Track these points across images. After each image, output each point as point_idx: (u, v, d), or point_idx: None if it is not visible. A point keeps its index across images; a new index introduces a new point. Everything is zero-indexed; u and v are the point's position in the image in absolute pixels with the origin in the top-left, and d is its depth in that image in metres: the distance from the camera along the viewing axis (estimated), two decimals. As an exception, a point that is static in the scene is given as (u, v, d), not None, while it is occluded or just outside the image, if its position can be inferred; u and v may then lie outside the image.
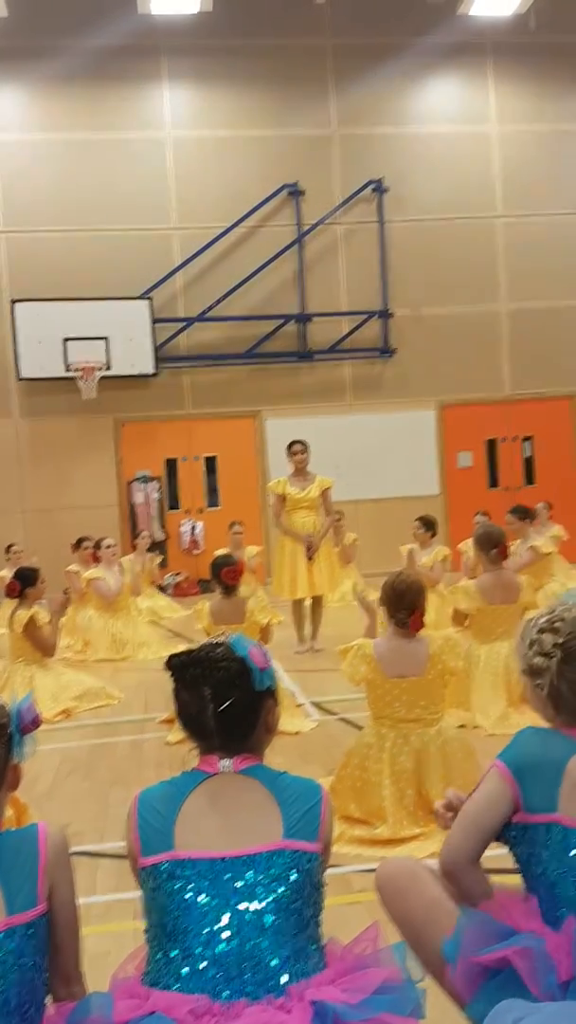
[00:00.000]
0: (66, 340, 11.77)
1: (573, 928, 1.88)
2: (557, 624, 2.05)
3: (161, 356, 12.34)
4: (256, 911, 1.84)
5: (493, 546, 5.61)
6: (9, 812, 3.29)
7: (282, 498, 7.89)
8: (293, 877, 1.87)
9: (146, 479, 12.71)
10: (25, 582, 6.25)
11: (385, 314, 12.95)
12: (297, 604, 7.90)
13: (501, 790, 2.00)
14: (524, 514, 7.55)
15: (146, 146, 12.69)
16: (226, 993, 1.79)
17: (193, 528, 12.72)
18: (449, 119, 13.22)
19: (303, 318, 12.85)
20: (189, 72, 12.71)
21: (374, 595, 4.39)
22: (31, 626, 6.15)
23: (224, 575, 5.65)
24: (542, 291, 13.23)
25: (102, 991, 1.86)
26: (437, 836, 3.75)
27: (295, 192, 12.85)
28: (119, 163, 12.55)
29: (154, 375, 12.28)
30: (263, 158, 12.81)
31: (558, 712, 2.06)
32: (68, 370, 11.80)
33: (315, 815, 1.94)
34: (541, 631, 2.08)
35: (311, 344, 12.90)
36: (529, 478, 13.50)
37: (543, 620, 2.10)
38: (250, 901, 1.85)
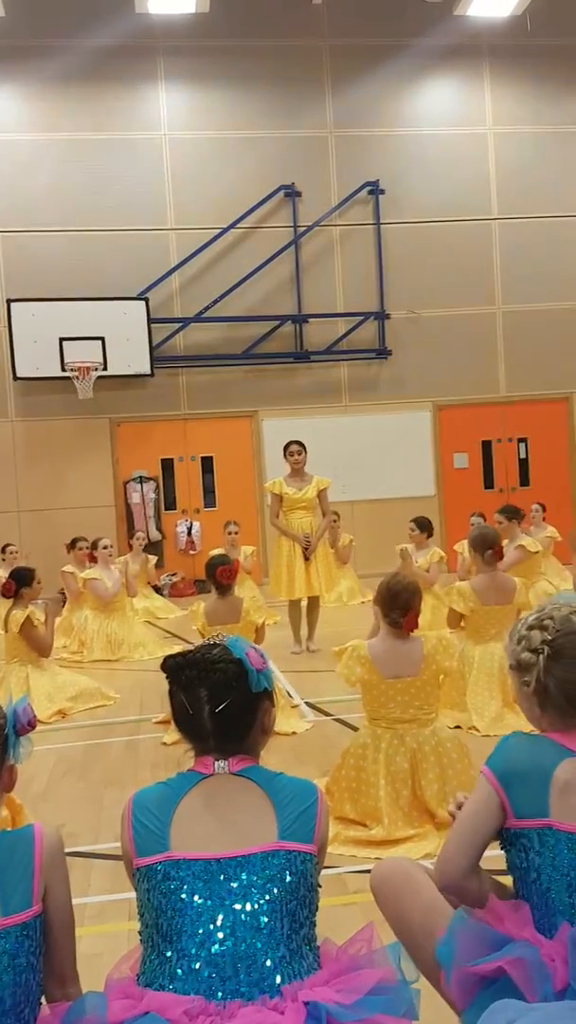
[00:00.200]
0: (62, 340, 11.76)
1: (567, 936, 1.87)
2: (546, 622, 2.06)
3: (157, 356, 12.34)
4: (251, 912, 1.84)
5: (488, 547, 5.63)
6: (4, 812, 3.30)
7: (279, 498, 7.90)
8: (288, 878, 1.88)
9: (142, 479, 12.70)
10: (21, 582, 6.25)
11: (381, 315, 12.97)
12: (294, 605, 7.91)
13: (489, 797, 1.99)
14: (512, 514, 7.58)
15: (143, 146, 12.69)
16: (221, 994, 1.80)
17: (189, 528, 12.72)
18: (445, 121, 13.24)
19: (299, 319, 12.86)
20: (186, 72, 12.72)
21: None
22: (27, 626, 6.15)
23: (219, 575, 5.66)
24: (538, 293, 13.25)
25: (97, 991, 1.87)
26: (432, 837, 3.77)
27: (291, 193, 12.86)
28: (116, 163, 12.55)
29: (150, 375, 12.28)
30: (260, 159, 12.81)
31: (543, 710, 2.06)
32: (64, 370, 11.79)
33: (310, 816, 1.94)
34: (530, 628, 2.08)
35: (307, 345, 12.91)
36: (524, 479, 13.52)
37: (532, 618, 2.10)
38: (245, 902, 1.85)
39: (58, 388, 12.05)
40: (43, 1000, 1.88)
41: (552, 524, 10.15)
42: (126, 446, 12.71)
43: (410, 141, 13.13)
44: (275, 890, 1.86)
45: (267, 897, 1.86)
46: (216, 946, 1.82)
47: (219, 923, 1.83)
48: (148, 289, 12.33)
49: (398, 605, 3.97)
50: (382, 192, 12.97)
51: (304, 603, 7.89)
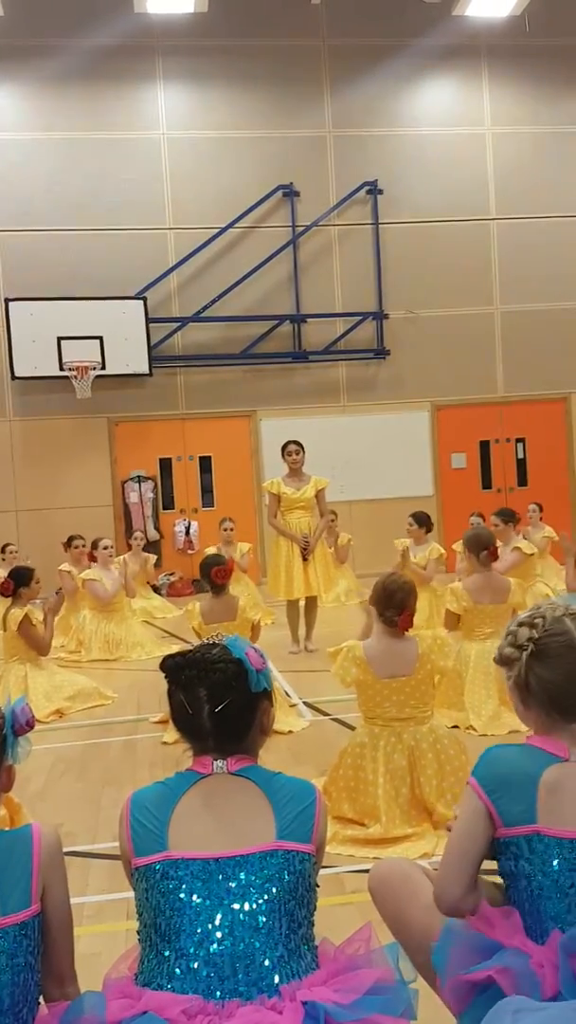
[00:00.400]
0: (60, 339, 11.75)
1: (558, 942, 1.86)
2: (537, 620, 2.06)
3: (156, 356, 12.33)
4: (249, 911, 1.85)
5: (483, 548, 5.66)
6: (3, 812, 3.31)
7: (277, 498, 7.90)
8: (286, 878, 1.88)
9: (140, 479, 12.70)
10: (19, 581, 6.27)
11: (379, 315, 12.97)
12: (292, 604, 7.91)
13: (476, 809, 1.98)
14: (509, 517, 7.61)
15: (141, 146, 12.68)
16: (219, 993, 1.80)
17: (188, 528, 12.72)
18: (444, 121, 13.25)
19: (298, 319, 12.86)
20: (184, 72, 12.72)
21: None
22: (25, 624, 6.16)
23: (214, 575, 5.66)
24: (536, 294, 13.26)
25: (95, 991, 1.87)
26: (429, 836, 3.77)
27: (290, 193, 12.86)
28: (114, 163, 12.55)
29: (149, 375, 12.27)
30: (258, 159, 12.81)
31: (527, 707, 2.06)
32: (62, 369, 11.79)
33: (309, 816, 1.94)
34: (520, 624, 2.08)
35: (306, 345, 12.92)
36: (522, 480, 13.53)
37: (525, 615, 2.11)
38: (243, 901, 1.85)
39: (56, 387, 12.05)
40: (41, 1000, 1.88)
41: (549, 524, 10.15)
42: (124, 446, 12.71)
43: (409, 141, 13.14)
44: (273, 890, 1.86)
45: (265, 897, 1.86)
46: (214, 945, 1.82)
47: (217, 922, 1.84)
48: (146, 288, 12.33)
49: (393, 604, 3.99)
50: (380, 192, 12.97)
51: (302, 603, 7.89)
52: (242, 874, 1.87)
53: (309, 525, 7.87)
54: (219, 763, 1.98)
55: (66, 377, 11.83)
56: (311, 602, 7.92)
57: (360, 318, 12.95)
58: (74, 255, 12.29)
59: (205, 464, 12.98)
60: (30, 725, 1.97)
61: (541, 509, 10.32)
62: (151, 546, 11.94)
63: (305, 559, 7.75)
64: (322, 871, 2.03)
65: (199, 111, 12.81)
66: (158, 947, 1.86)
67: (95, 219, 12.39)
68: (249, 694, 1.99)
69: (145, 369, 12.17)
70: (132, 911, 1.97)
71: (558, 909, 1.90)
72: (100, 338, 11.86)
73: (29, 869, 1.84)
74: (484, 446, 13.48)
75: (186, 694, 1.98)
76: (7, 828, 2.36)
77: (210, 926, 1.83)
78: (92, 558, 8.76)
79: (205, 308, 12.58)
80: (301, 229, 12.88)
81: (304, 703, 6.03)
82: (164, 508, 12.86)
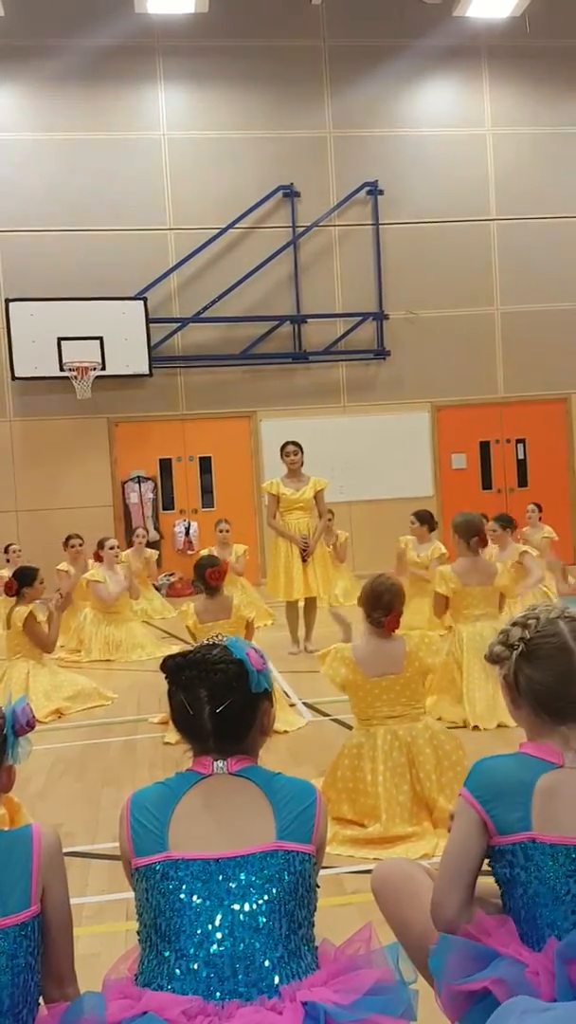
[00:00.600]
0: (60, 340, 11.76)
1: (554, 950, 1.85)
2: (530, 621, 2.06)
3: (156, 356, 12.34)
4: (249, 912, 1.84)
5: (473, 535, 5.74)
6: (3, 812, 3.31)
7: (276, 499, 7.90)
8: (286, 878, 1.88)
9: (140, 479, 12.70)
10: (23, 581, 6.29)
11: (380, 316, 12.97)
12: (291, 605, 7.91)
13: (470, 820, 1.97)
14: (507, 523, 7.64)
15: (141, 146, 12.69)
16: (219, 994, 1.80)
17: (187, 528, 12.72)
18: (444, 122, 13.25)
19: (298, 319, 12.87)
20: (185, 72, 12.72)
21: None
22: (30, 621, 6.18)
23: (208, 576, 5.68)
24: (536, 294, 13.26)
25: (95, 991, 1.87)
26: (429, 836, 3.77)
27: (290, 194, 12.86)
28: (114, 163, 12.55)
29: (149, 375, 12.28)
30: (258, 159, 12.82)
31: (516, 706, 2.06)
32: (62, 370, 11.79)
33: (309, 817, 1.94)
34: (514, 623, 2.08)
35: (306, 345, 12.92)
36: (522, 480, 13.53)
37: (520, 615, 2.11)
38: (243, 902, 1.85)
39: (56, 388, 12.05)
40: (41, 1001, 1.88)
41: (549, 524, 10.14)
42: (124, 446, 12.71)
43: (409, 142, 13.14)
44: (273, 890, 1.86)
45: (265, 897, 1.86)
46: (214, 946, 1.82)
47: (217, 923, 1.83)
48: (147, 289, 12.33)
49: (381, 605, 4.05)
50: (381, 192, 12.97)
51: (301, 604, 7.89)
52: (242, 874, 1.87)
53: (308, 526, 7.87)
54: (219, 763, 1.98)
55: (66, 377, 11.83)
56: (310, 603, 7.92)
57: (360, 318, 12.95)
58: (74, 255, 12.29)
59: (205, 465, 12.98)
60: (31, 725, 1.97)
61: (540, 509, 10.32)
62: (151, 547, 11.93)
63: (304, 560, 7.75)
64: (322, 871, 2.03)
65: (199, 111, 12.82)
66: (158, 948, 1.86)
67: (95, 219, 12.39)
68: (250, 695, 1.99)
69: (145, 369, 12.17)
70: (132, 911, 1.97)
71: (554, 916, 1.89)
72: (100, 338, 11.87)
73: (29, 870, 1.84)
74: (484, 447, 13.48)
75: (187, 695, 1.98)
76: (7, 828, 2.36)
77: (210, 927, 1.83)
78: (98, 558, 8.74)
79: (205, 308, 12.58)
80: (301, 230, 12.88)
81: (304, 703, 6.03)
82: (164, 508, 12.86)
